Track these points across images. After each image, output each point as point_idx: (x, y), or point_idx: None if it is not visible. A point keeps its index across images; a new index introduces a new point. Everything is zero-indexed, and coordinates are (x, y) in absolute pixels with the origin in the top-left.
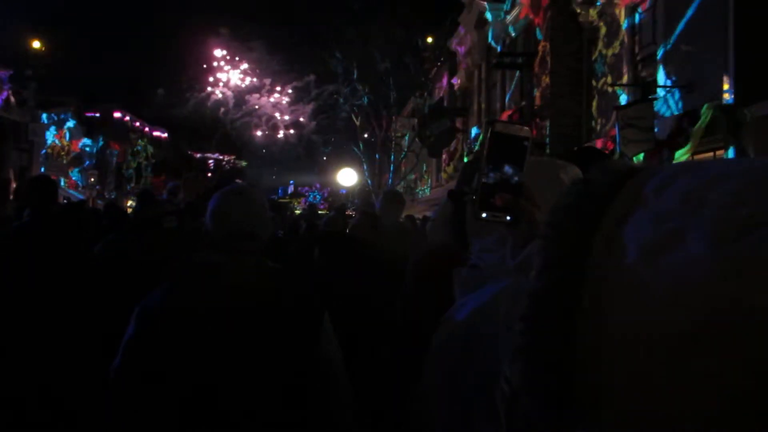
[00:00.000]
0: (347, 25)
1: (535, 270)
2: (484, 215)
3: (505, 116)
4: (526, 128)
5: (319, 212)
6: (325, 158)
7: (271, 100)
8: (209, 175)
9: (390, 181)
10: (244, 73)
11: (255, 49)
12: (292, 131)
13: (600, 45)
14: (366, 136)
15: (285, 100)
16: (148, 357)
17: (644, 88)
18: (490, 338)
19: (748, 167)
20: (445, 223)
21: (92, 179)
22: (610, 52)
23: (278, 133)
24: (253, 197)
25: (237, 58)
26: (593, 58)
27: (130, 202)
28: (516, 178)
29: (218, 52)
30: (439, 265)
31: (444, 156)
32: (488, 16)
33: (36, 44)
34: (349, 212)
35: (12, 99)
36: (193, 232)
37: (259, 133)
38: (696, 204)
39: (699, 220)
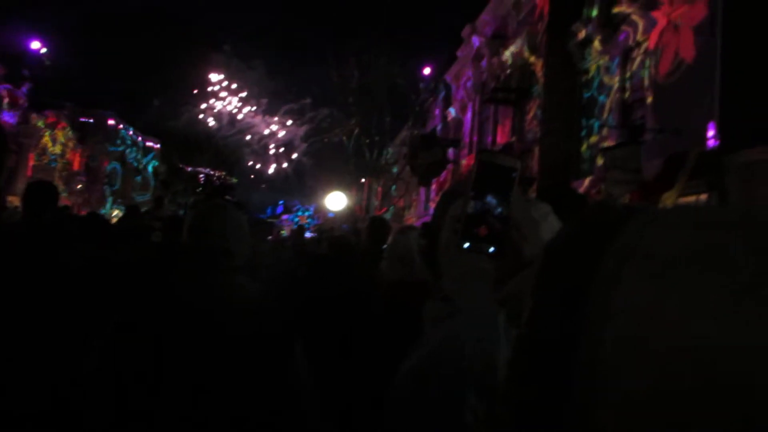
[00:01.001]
0: (346, 51)
1: (527, 314)
2: (466, 245)
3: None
4: (514, 159)
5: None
6: (314, 181)
7: (266, 120)
8: (198, 189)
9: (370, 207)
10: (239, 94)
11: (253, 68)
12: (282, 150)
13: (592, 86)
14: (356, 161)
15: (276, 121)
16: (115, 368)
17: (632, 131)
18: (453, 372)
19: (747, 214)
20: (399, 258)
21: (79, 186)
22: (601, 94)
23: (269, 153)
24: (231, 214)
25: (234, 85)
26: (585, 98)
27: (116, 212)
28: (501, 209)
29: (215, 77)
30: (408, 296)
31: (433, 186)
32: (485, 51)
33: (35, 45)
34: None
35: (5, 98)
36: (176, 246)
37: (250, 151)
38: (701, 252)
39: (704, 273)
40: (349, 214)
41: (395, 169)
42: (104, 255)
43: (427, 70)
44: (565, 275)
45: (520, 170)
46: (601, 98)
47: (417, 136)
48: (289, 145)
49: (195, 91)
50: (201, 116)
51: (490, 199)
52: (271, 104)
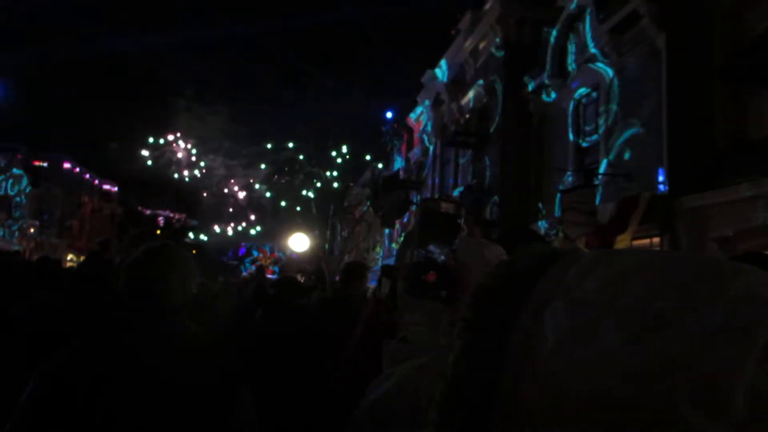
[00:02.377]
0: (309, 95)
1: (453, 355)
2: (416, 291)
3: (455, 192)
4: (457, 206)
5: (268, 276)
6: (276, 222)
7: (225, 162)
8: (158, 232)
9: (334, 247)
10: (199, 138)
11: (215, 113)
12: (242, 194)
13: (548, 131)
14: (318, 202)
15: (237, 164)
16: (42, 419)
17: (587, 174)
18: (405, 414)
19: (666, 259)
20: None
21: (32, 230)
22: (556, 139)
23: (230, 195)
24: (171, 255)
25: (189, 144)
26: (542, 142)
27: (70, 256)
28: (444, 257)
29: (174, 121)
30: (375, 337)
31: (397, 227)
32: (444, 97)
33: None
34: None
35: None
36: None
37: (210, 193)
38: (613, 295)
39: (614, 312)
40: (313, 255)
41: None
42: (47, 300)
43: (389, 114)
44: (490, 316)
45: (477, 213)
46: (557, 142)
47: (380, 178)
48: (249, 187)
49: (152, 138)
50: (161, 151)
51: (433, 248)
52: (232, 147)
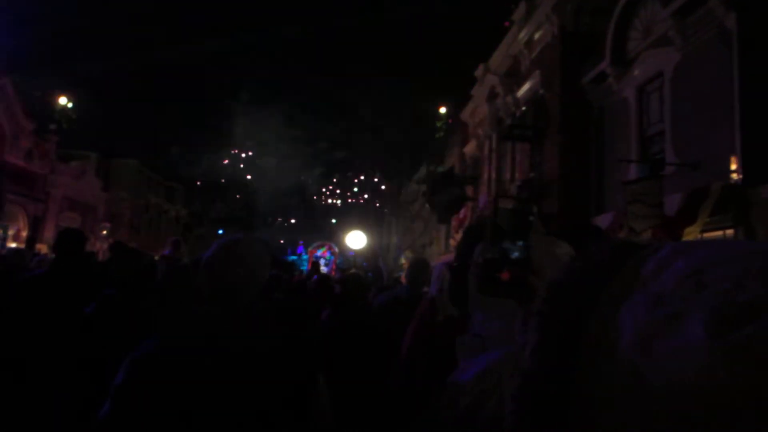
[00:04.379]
0: (364, 95)
1: (528, 348)
2: (489, 289)
3: (513, 188)
4: (531, 204)
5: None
6: (334, 220)
7: (285, 164)
8: (220, 231)
9: (391, 245)
10: (260, 142)
11: (272, 116)
12: (299, 193)
13: (608, 121)
14: (377, 202)
15: (294, 166)
16: (134, 406)
17: (653, 165)
18: (494, 404)
19: (748, 251)
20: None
21: (104, 232)
22: (618, 128)
23: (287, 195)
24: (244, 250)
25: (248, 146)
26: (602, 133)
27: None
28: (519, 254)
29: (240, 129)
30: (430, 335)
31: (453, 223)
32: (499, 90)
33: (62, 100)
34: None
35: (34, 150)
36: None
37: (267, 193)
38: (694, 287)
39: (697, 305)
40: (370, 252)
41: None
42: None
43: (442, 109)
44: (567, 310)
45: (539, 209)
46: (619, 131)
47: (435, 174)
48: (305, 187)
49: (217, 139)
50: (223, 154)
51: (507, 245)
52: (288, 148)
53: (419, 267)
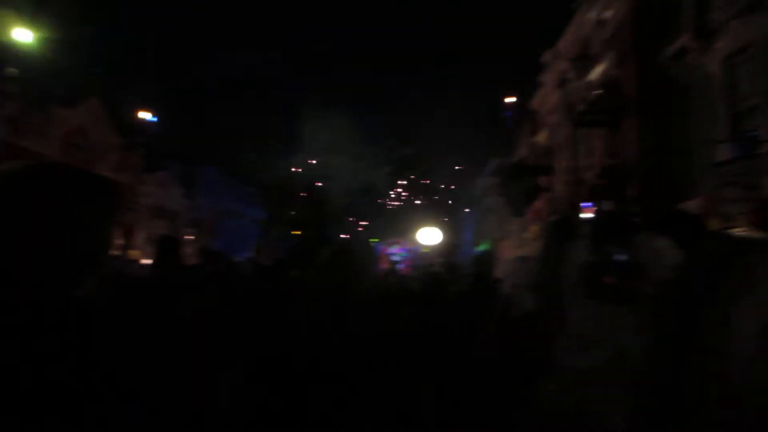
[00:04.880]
0: (431, 90)
1: (640, 349)
2: (595, 293)
3: (590, 175)
4: (634, 207)
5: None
6: (405, 217)
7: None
8: (297, 232)
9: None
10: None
11: (343, 116)
12: (368, 192)
13: (693, 99)
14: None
15: (364, 165)
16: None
17: (746, 143)
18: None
19: None
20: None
21: (190, 237)
22: (703, 106)
23: (357, 194)
24: (358, 252)
25: (318, 148)
26: (685, 112)
27: None
28: (622, 257)
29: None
30: (507, 331)
31: (529, 215)
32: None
33: (146, 114)
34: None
35: (121, 163)
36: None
37: (339, 194)
38: None
39: None
40: (443, 248)
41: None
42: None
43: (510, 99)
44: (676, 311)
45: (622, 196)
46: (705, 109)
47: (507, 166)
48: (375, 185)
49: (289, 143)
50: (296, 158)
51: (611, 247)
52: (358, 149)
53: (484, 260)
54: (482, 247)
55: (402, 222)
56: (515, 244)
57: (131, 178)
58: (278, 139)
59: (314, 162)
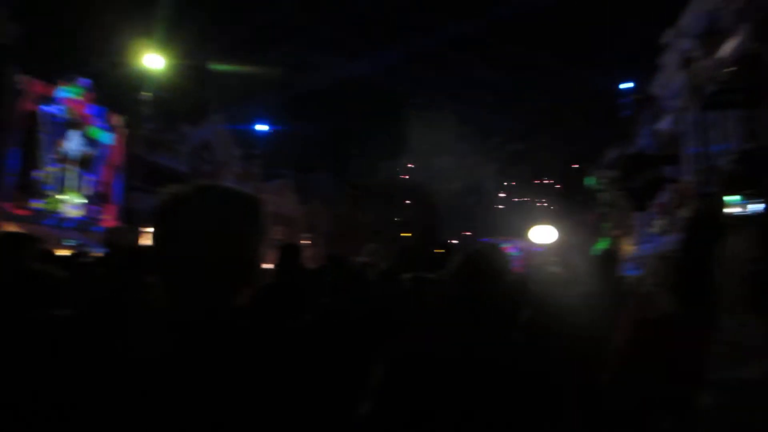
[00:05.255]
0: (538, 82)
1: None
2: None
3: (724, 162)
4: None
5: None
6: (515, 215)
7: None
8: (402, 234)
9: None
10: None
11: (446, 116)
12: (475, 192)
13: None
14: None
15: (470, 163)
16: (395, 404)
17: None
18: None
19: None
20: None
21: (306, 242)
22: None
23: (464, 194)
24: (485, 259)
25: (423, 149)
26: None
27: None
28: None
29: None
30: (644, 335)
31: (654, 209)
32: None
33: (261, 126)
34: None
35: (241, 173)
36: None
37: (447, 194)
38: None
39: None
40: (558, 247)
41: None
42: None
43: (626, 85)
44: None
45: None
46: None
47: (626, 157)
48: (483, 184)
49: (397, 145)
50: (399, 160)
51: None
52: (462, 147)
53: (609, 259)
54: (602, 245)
55: (512, 220)
56: (637, 241)
57: (251, 187)
58: (385, 142)
59: (421, 162)
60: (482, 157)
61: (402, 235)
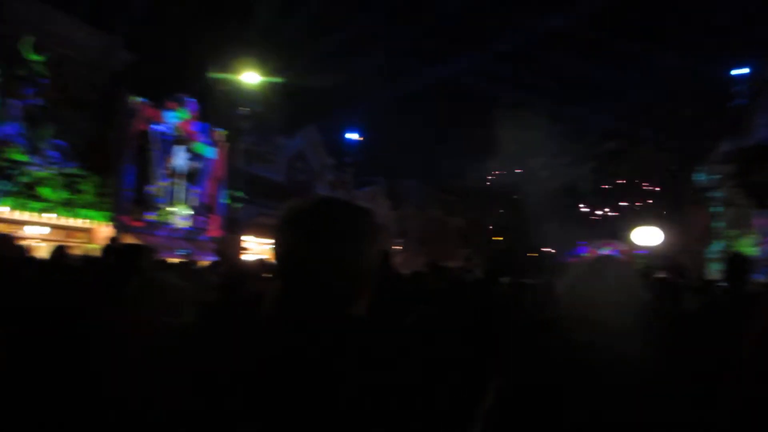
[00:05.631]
0: (636, 72)
1: None
2: None
3: None
4: None
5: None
6: (616, 217)
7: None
8: (497, 240)
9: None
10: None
11: (538, 116)
12: (570, 192)
13: None
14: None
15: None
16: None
17: None
18: None
19: None
20: None
21: (398, 248)
22: None
23: (558, 195)
24: (608, 270)
25: (514, 150)
26: None
27: None
28: None
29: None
30: None
31: None
32: None
33: (353, 135)
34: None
35: (335, 183)
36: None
37: (540, 196)
38: None
39: None
40: (668, 250)
41: (718, 194)
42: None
43: (740, 71)
44: None
45: None
46: None
47: (743, 150)
48: (578, 184)
49: (486, 148)
50: (493, 170)
51: None
52: (557, 147)
53: (738, 263)
54: (716, 247)
55: (612, 221)
56: (759, 242)
57: (344, 194)
58: (475, 145)
59: (513, 164)
60: (577, 156)
61: (494, 239)
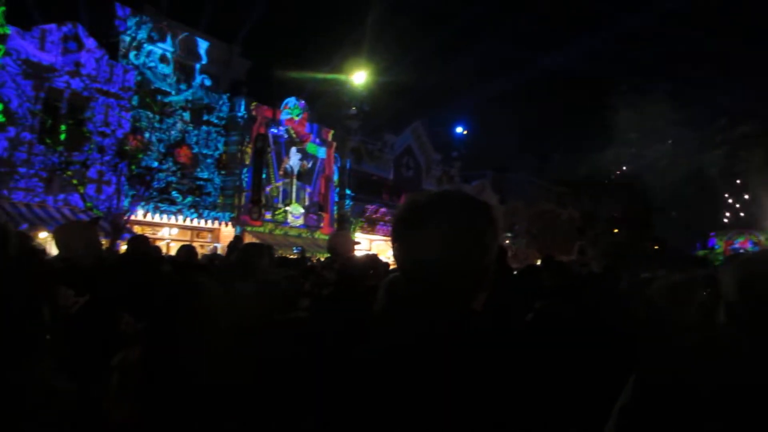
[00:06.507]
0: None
1: None
2: None
3: None
4: None
5: None
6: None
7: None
8: (615, 231)
9: None
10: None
11: (657, 101)
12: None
13: None
14: None
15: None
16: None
17: None
18: None
19: None
20: None
21: (506, 242)
22: None
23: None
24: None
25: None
26: None
27: (538, 262)
28: None
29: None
30: None
31: None
32: None
33: (459, 129)
34: None
35: (443, 177)
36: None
37: (663, 185)
38: None
39: None
40: None
41: None
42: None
43: None
44: None
45: None
46: None
47: None
48: (704, 173)
49: (599, 136)
50: (608, 159)
51: None
52: (676, 133)
53: None
54: None
55: (747, 209)
56: None
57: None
58: (591, 134)
59: (632, 153)
60: (706, 142)
61: (612, 231)
